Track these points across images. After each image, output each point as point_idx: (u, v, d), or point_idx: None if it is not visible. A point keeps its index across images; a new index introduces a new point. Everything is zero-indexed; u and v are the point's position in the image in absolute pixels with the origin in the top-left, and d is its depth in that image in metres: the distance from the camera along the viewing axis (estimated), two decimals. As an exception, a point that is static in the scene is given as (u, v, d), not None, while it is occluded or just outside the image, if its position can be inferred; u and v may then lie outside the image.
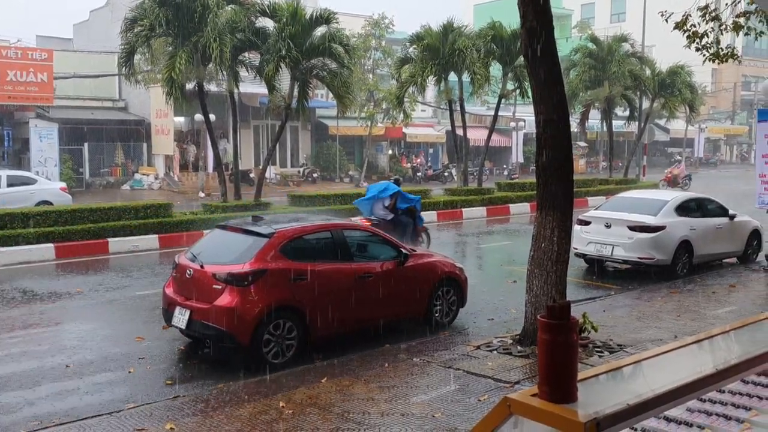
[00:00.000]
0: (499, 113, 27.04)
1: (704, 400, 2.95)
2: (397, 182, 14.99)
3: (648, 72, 31.34)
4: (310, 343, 8.18)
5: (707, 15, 11.88)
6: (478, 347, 8.36)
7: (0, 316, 10.29)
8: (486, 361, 7.85)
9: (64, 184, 23.00)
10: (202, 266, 8.08)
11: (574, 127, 8.10)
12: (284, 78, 20.21)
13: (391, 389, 7.02)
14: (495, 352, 8.20)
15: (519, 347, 8.23)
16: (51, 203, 19.77)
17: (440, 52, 23.33)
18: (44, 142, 27.43)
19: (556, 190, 8.06)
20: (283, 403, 6.59)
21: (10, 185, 20.51)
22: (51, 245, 15.02)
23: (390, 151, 39.45)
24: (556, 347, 2.57)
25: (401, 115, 27.03)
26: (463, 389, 7.04)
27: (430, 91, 32.21)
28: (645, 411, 2.60)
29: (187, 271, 8.19)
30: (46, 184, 21.89)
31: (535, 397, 2.59)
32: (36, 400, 7.00)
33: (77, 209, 16.93)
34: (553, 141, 8.05)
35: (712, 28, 12.10)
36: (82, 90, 30.13)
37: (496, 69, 26.31)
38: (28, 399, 7.01)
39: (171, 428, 6.03)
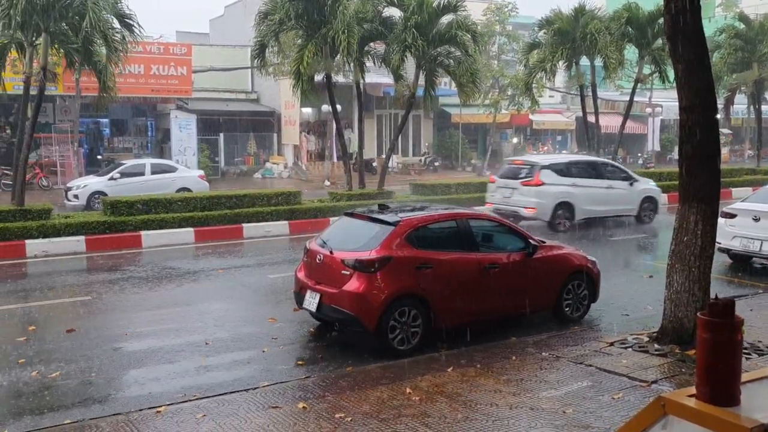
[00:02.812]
0: (634, 98, 25.79)
1: None
2: None
3: (807, 51, 28.69)
4: (435, 331, 8.17)
5: None
6: (612, 344, 8.01)
7: (146, 295, 11.06)
8: (620, 359, 7.50)
9: (202, 172, 24.33)
10: (331, 252, 8.27)
11: (718, 113, 7.58)
12: (409, 67, 20.27)
13: (519, 383, 6.87)
14: (630, 349, 7.82)
15: (656, 345, 7.81)
16: (190, 190, 21.01)
17: (571, 36, 22.59)
18: (184, 132, 29.14)
19: (701, 180, 7.58)
20: (410, 389, 6.61)
21: (153, 173, 21.97)
22: (191, 229, 15.96)
23: (515, 139, 38.65)
24: (718, 347, 2.41)
25: (528, 101, 26.40)
26: (596, 386, 6.77)
27: (559, 77, 31.25)
28: (819, 421, 2.37)
29: (318, 257, 8.40)
30: (185, 172, 23.24)
31: (692, 398, 2.44)
32: (179, 374, 7.45)
33: (214, 196, 17.88)
34: (698, 128, 7.56)
35: None
36: (217, 83, 31.67)
37: (631, 52, 25.12)
38: (172, 372, 7.48)
39: (303, 407, 6.22)
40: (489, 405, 6.29)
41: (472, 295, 8.36)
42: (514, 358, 7.63)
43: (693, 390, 2.55)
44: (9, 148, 25.66)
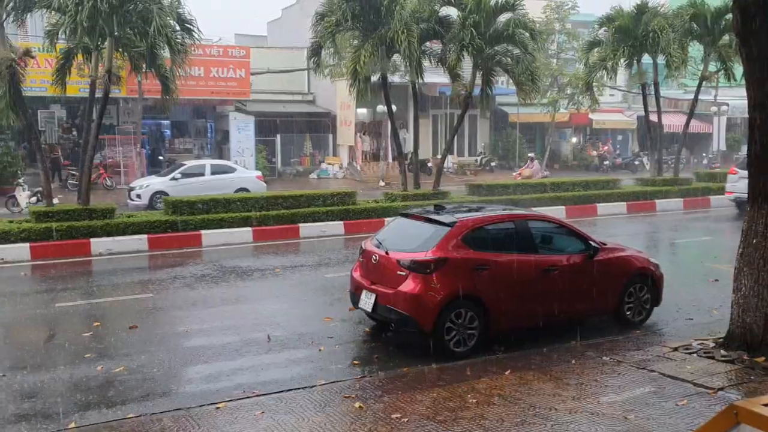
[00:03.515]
0: (699, 97, 24.99)
1: None
2: None
3: None
4: (492, 334, 8.08)
5: None
6: (675, 349, 7.78)
7: (206, 293, 11.28)
8: (684, 364, 7.27)
9: (259, 173, 24.70)
10: (387, 253, 8.26)
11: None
12: (465, 66, 20.13)
13: (579, 387, 6.73)
14: (694, 355, 7.57)
15: (723, 351, 7.53)
16: (248, 190, 21.35)
17: (633, 34, 22.08)
18: (242, 133, 29.63)
19: (771, 181, 7.27)
20: (467, 391, 6.55)
21: (213, 173, 22.42)
22: (249, 229, 16.23)
23: (574, 139, 37.97)
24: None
25: (588, 100, 25.89)
26: (659, 392, 6.58)
27: (620, 75, 30.54)
28: None
29: (373, 257, 8.41)
30: (244, 173, 23.63)
31: (767, 407, 2.33)
32: (238, 370, 7.56)
33: (272, 196, 18.13)
34: (768, 126, 7.26)
35: None
36: (275, 84, 32.09)
37: (695, 49, 24.37)
38: (231, 369, 7.60)
39: (360, 407, 6.23)
40: (548, 409, 6.18)
41: (530, 297, 8.23)
42: (573, 361, 7.48)
43: (767, 398, 2.43)
44: (74, 148, 26.60)
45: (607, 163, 35.44)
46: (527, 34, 19.19)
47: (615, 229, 17.45)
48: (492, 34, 19.01)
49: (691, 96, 25.46)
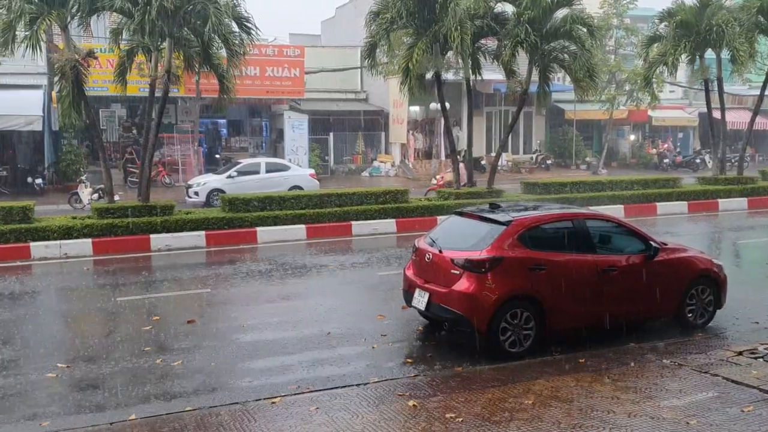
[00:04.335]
0: (765, 92, 24.06)
1: None
2: None
3: None
4: (548, 334, 7.94)
5: None
6: (740, 353, 7.51)
7: (261, 289, 11.44)
8: (750, 369, 7.01)
9: (313, 171, 24.93)
10: (440, 251, 8.21)
11: None
12: (521, 62, 19.86)
13: (639, 390, 6.56)
14: (761, 359, 7.30)
15: (792, 357, 7.24)
16: (302, 188, 21.56)
17: (695, 28, 21.40)
18: (296, 132, 29.89)
19: None
20: (522, 392, 6.46)
21: (268, 171, 22.72)
22: (303, 226, 16.38)
23: (632, 136, 37.06)
24: None
25: (648, 96, 25.21)
26: (722, 397, 6.36)
27: (681, 71, 29.68)
28: None
29: (427, 255, 8.36)
30: (297, 171, 23.87)
31: None
32: (292, 366, 7.63)
33: (325, 194, 18.27)
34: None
35: None
36: (328, 83, 32.24)
37: (761, 44, 23.48)
38: (286, 365, 7.68)
39: (414, 405, 6.20)
40: (606, 412, 6.04)
41: (588, 298, 8.07)
42: (632, 364, 7.30)
43: None
44: (133, 146, 27.28)
45: (667, 161, 34.50)
46: (585, 30, 18.78)
47: (676, 228, 16.98)
48: (548, 30, 18.70)
49: (756, 92, 24.55)
